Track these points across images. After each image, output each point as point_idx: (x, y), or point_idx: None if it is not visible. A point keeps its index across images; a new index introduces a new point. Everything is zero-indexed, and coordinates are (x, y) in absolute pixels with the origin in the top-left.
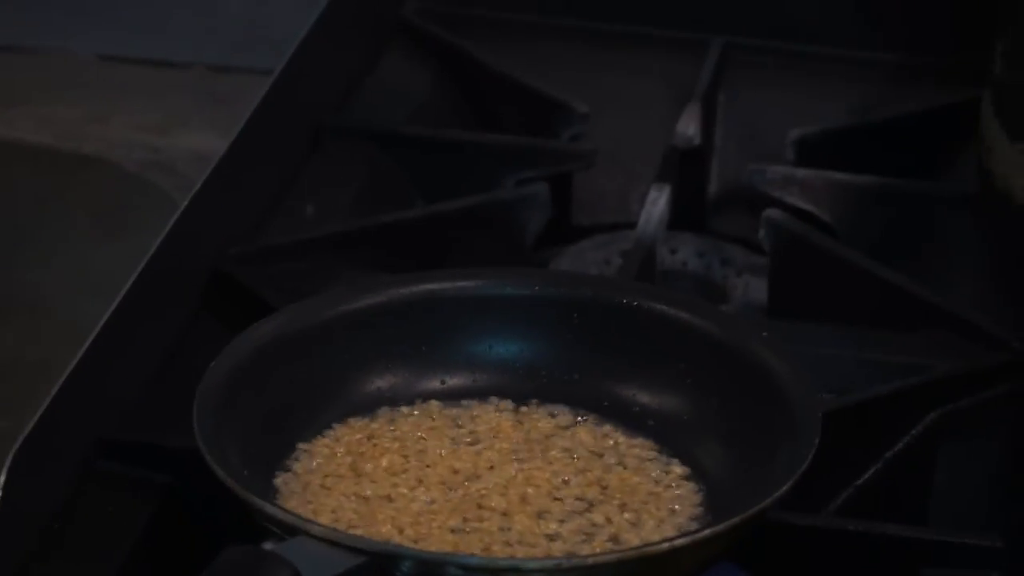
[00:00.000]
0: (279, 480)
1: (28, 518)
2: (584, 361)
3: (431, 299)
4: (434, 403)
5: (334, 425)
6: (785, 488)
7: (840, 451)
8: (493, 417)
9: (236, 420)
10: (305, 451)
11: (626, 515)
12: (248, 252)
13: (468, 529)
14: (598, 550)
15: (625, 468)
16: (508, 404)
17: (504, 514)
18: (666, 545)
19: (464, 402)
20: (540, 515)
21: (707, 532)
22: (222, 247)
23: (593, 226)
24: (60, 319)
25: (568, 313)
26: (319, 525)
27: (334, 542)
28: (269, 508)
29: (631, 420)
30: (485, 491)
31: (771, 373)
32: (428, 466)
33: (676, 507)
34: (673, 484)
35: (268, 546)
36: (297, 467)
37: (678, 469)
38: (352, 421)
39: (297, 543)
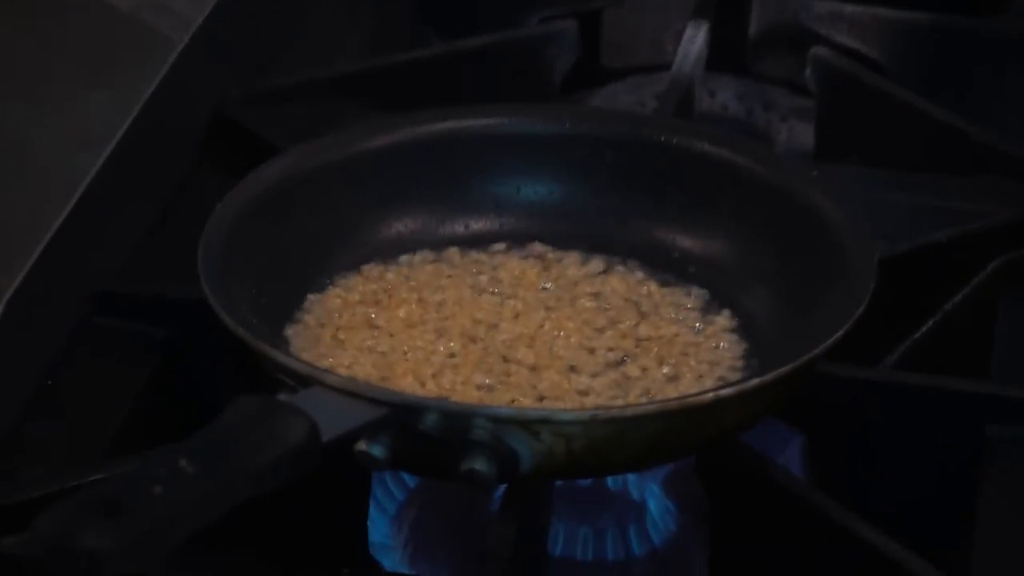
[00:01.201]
0: (289, 332)
1: (20, 376)
2: (619, 204)
3: (454, 138)
4: (454, 250)
5: (347, 274)
6: (838, 335)
7: (896, 302)
8: (518, 264)
9: (242, 268)
10: (316, 302)
11: (663, 368)
12: (252, 94)
13: (494, 384)
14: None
15: (662, 318)
16: (535, 249)
17: (532, 368)
18: (710, 395)
19: (488, 248)
20: (571, 368)
21: (755, 382)
22: (223, 90)
23: (625, 68)
24: (51, 172)
25: (602, 152)
26: (336, 375)
27: (352, 393)
28: (282, 357)
29: (670, 266)
30: (511, 343)
31: (822, 215)
32: (448, 317)
33: (718, 359)
34: (715, 335)
35: (282, 398)
36: (308, 319)
37: (721, 319)
38: (366, 269)
39: (312, 394)
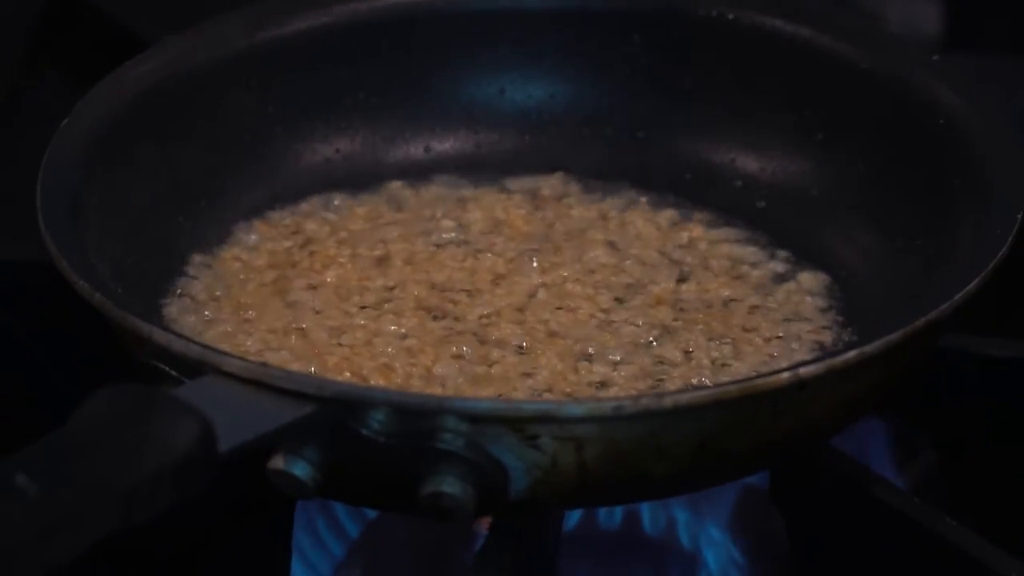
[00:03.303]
0: (170, 308)
1: None
2: (651, 110)
3: (407, 15)
4: (400, 184)
5: (249, 222)
6: (969, 288)
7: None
8: (498, 201)
9: (100, 214)
10: (206, 264)
11: (715, 349)
12: None
13: (468, 375)
14: None
15: (713, 275)
16: (525, 182)
17: (522, 352)
18: (786, 375)
19: (455, 181)
20: (580, 353)
21: (851, 354)
22: None
23: None
24: None
25: (626, 33)
26: (239, 359)
27: (263, 383)
28: (160, 335)
29: (727, 200)
30: (489, 317)
31: (950, 119)
32: (396, 283)
33: (796, 334)
34: (792, 298)
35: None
36: (195, 288)
37: (804, 276)
38: (276, 216)
39: (205, 386)
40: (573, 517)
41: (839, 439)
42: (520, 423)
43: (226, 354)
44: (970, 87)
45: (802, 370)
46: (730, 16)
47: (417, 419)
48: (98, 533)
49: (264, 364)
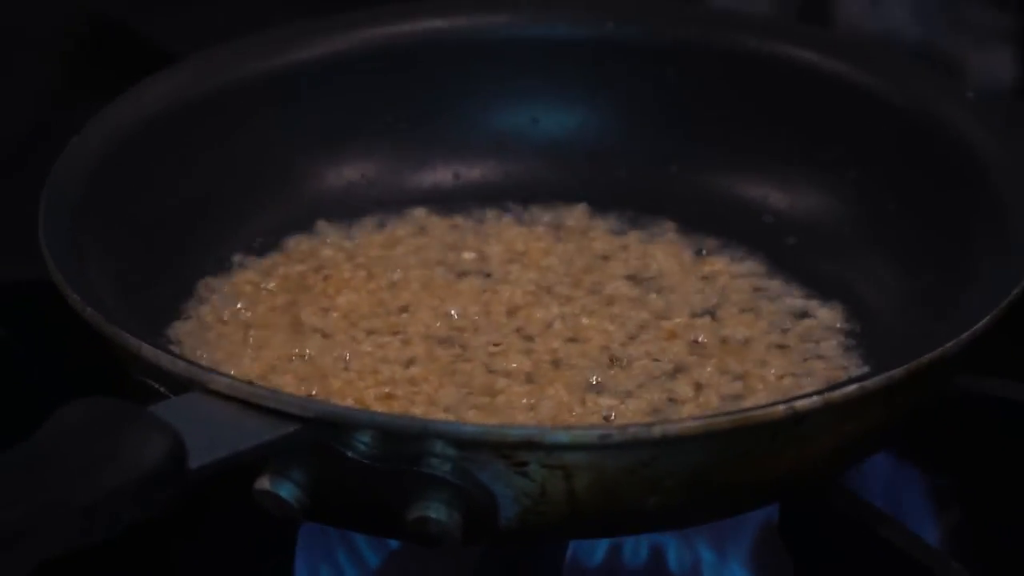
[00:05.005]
0: (175, 330)
1: None
2: (684, 142)
3: (434, 43)
4: (421, 211)
5: (263, 247)
6: (977, 328)
7: None
8: (519, 233)
9: (106, 231)
10: (217, 287)
11: (728, 383)
12: None
13: (472, 405)
14: None
15: (735, 308)
16: (552, 214)
17: (530, 383)
18: (781, 408)
19: (478, 209)
20: (590, 385)
21: (850, 388)
22: None
23: None
24: None
25: (660, 66)
26: (224, 376)
27: (246, 401)
28: (145, 349)
29: (756, 236)
30: (499, 347)
31: (979, 157)
32: (409, 309)
33: (812, 371)
34: (813, 335)
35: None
36: (203, 311)
37: (824, 312)
38: (292, 240)
39: (186, 402)
40: (597, 553)
41: (871, 486)
42: (506, 449)
43: (211, 371)
44: (1003, 126)
45: (798, 403)
46: (765, 50)
47: (402, 442)
48: (54, 547)
49: (249, 383)
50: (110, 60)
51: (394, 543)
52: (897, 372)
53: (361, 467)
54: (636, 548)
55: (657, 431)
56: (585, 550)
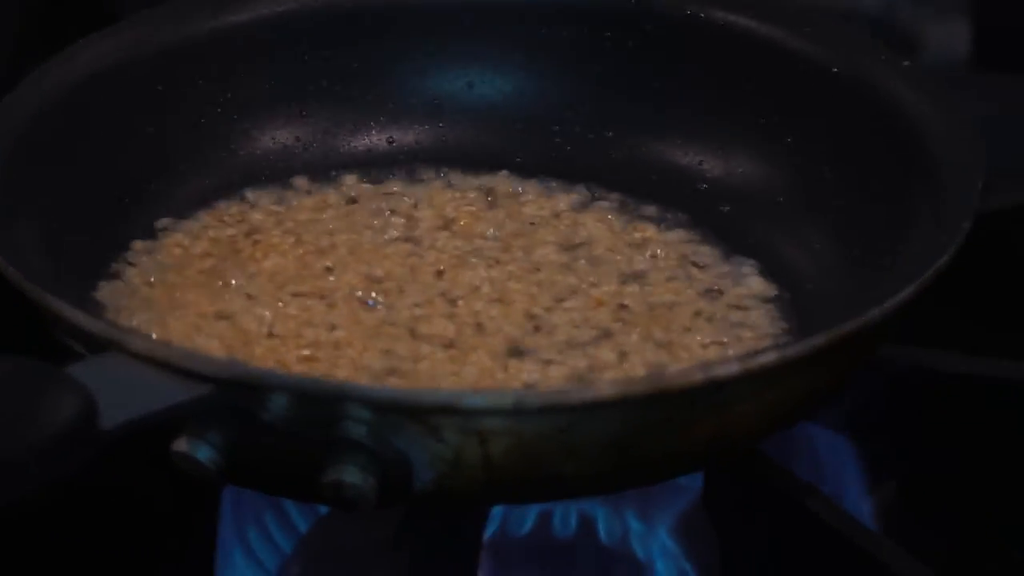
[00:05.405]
0: (102, 292)
1: None
2: (620, 108)
3: (371, 6)
4: (352, 177)
5: (192, 211)
6: (901, 296)
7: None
8: (451, 199)
9: (35, 194)
10: (146, 250)
11: (652, 350)
12: None
13: (394, 370)
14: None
15: (663, 276)
16: (479, 179)
17: (449, 346)
18: (700, 376)
19: (413, 175)
20: (513, 351)
21: (768, 357)
22: None
23: None
24: None
25: (596, 31)
26: (141, 337)
27: (162, 362)
28: (65, 309)
29: (691, 203)
30: (423, 311)
31: (915, 125)
32: (336, 273)
33: (739, 339)
34: (740, 303)
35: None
36: (130, 274)
37: (755, 281)
38: (223, 204)
39: (102, 363)
40: (526, 523)
41: (802, 461)
42: (421, 413)
43: (128, 331)
44: (942, 94)
45: (717, 370)
46: (703, 15)
47: (316, 406)
48: None
49: (166, 344)
50: (62, 22)
51: (324, 508)
52: (817, 339)
53: (276, 430)
54: (565, 518)
55: (573, 396)
56: (514, 520)
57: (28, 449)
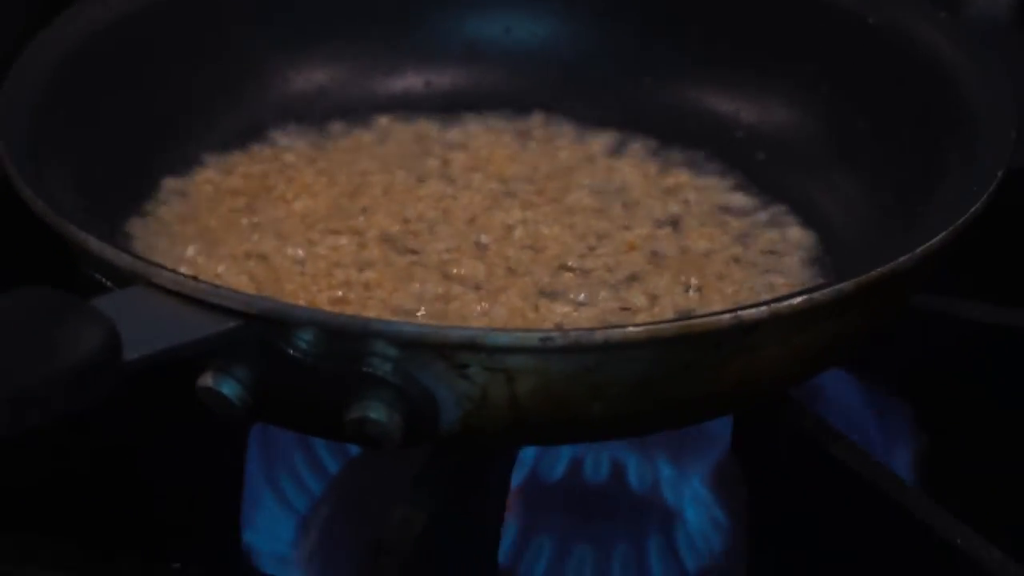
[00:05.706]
0: (133, 228)
1: None
2: (658, 55)
3: None
4: (386, 118)
5: (225, 150)
6: (932, 243)
7: None
8: (485, 139)
9: (69, 130)
10: (177, 188)
11: (683, 294)
12: None
13: (424, 310)
14: None
15: (696, 222)
16: (514, 122)
17: (480, 289)
18: (728, 317)
19: (448, 116)
20: (544, 292)
21: (798, 300)
22: None
23: None
24: None
25: None
26: (167, 271)
27: (187, 296)
28: (92, 242)
29: (727, 150)
30: (455, 253)
31: (951, 76)
32: (367, 212)
33: (772, 286)
34: (773, 250)
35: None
36: (163, 211)
37: (790, 228)
38: (257, 143)
39: (127, 296)
40: (557, 468)
41: (835, 411)
42: (447, 349)
43: (154, 264)
44: (978, 47)
45: (744, 313)
46: None
47: (343, 341)
48: None
49: (193, 278)
50: None
51: (354, 450)
52: (846, 285)
53: (302, 366)
54: (597, 464)
55: (600, 336)
56: (545, 465)
57: (49, 378)
